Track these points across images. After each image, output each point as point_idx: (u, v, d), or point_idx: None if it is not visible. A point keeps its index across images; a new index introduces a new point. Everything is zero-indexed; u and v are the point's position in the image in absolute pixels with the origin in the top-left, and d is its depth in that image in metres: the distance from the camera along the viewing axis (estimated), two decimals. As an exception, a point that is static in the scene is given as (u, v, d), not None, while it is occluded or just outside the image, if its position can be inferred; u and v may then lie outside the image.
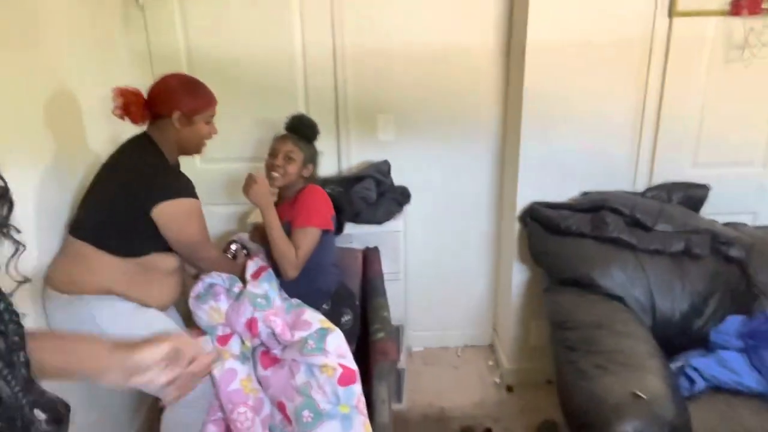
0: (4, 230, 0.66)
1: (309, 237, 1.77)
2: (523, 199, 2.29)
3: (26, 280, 0.73)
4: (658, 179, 2.26)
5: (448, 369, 2.67)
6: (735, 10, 2.04)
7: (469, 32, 2.32)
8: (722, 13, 2.06)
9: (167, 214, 1.58)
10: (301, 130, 1.88)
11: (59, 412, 0.68)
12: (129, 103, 1.62)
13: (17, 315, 0.67)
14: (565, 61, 2.11)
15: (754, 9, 2.03)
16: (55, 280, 1.59)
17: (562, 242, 2.11)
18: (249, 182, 1.78)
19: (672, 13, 2.06)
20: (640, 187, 2.28)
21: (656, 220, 2.04)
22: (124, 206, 1.57)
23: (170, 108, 1.63)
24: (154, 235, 1.60)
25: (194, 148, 1.74)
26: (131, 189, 1.58)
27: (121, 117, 1.63)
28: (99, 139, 1.94)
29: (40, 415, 0.65)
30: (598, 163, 2.24)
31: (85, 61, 1.94)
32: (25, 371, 0.64)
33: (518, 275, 2.41)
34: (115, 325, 1.56)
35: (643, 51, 2.11)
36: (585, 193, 2.28)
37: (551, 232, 2.16)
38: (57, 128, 1.72)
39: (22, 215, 1.52)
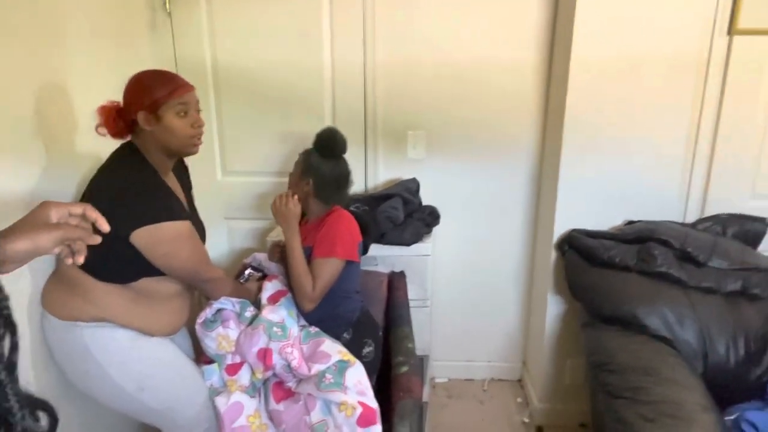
0: None
1: (329, 268, 1.64)
2: (561, 226, 2.13)
3: None
4: (712, 210, 2.07)
5: (474, 403, 2.50)
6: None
7: (508, 47, 2.19)
8: (788, 32, 1.89)
9: (147, 241, 1.38)
10: (316, 140, 1.73)
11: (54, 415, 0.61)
12: (106, 118, 1.45)
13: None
14: (613, 80, 1.96)
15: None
16: (50, 303, 1.47)
17: (604, 275, 1.95)
18: (281, 200, 1.67)
19: (732, 31, 1.89)
20: (691, 218, 2.09)
21: (710, 256, 1.86)
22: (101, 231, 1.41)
23: (135, 109, 1.42)
24: (140, 260, 1.41)
25: (180, 147, 1.48)
26: (106, 213, 1.31)
27: (105, 135, 1.46)
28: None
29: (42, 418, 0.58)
30: (644, 190, 2.07)
31: (107, 66, 1.86)
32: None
33: (553, 308, 2.24)
34: (110, 356, 1.44)
35: (699, 72, 1.94)
36: (630, 222, 2.11)
37: (592, 263, 1.99)
38: (57, 135, 1.59)
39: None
